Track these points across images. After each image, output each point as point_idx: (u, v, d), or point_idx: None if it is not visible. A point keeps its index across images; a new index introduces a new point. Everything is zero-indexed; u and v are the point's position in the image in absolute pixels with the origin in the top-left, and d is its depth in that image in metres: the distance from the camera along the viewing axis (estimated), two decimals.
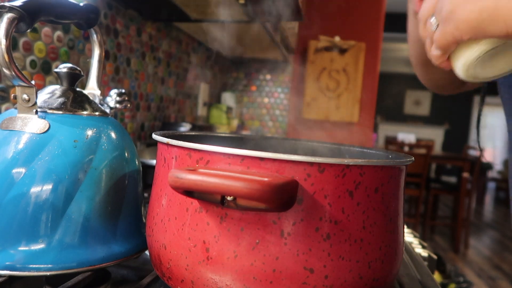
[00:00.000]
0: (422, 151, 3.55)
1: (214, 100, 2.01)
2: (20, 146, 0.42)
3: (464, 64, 0.39)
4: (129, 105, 0.60)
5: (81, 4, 0.49)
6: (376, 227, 0.35)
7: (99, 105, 0.50)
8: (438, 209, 4.50)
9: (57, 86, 0.48)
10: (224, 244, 0.33)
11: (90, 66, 0.55)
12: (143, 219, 0.50)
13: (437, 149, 6.21)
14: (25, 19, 0.41)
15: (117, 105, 0.59)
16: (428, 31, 0.40)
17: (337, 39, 2.09)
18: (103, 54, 0.56)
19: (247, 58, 2.12)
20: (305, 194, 0.32)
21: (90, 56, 0.73)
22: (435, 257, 0.72)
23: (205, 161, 0.34)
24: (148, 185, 0.51)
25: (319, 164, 0.32)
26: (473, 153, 5.03)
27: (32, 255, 0.40)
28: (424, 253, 0.72)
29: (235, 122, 1.97)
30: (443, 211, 4.91)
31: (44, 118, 0.43)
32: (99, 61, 0.55)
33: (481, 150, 0.62)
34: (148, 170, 0.77)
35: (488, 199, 6.43)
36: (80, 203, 0.42)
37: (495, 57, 0.38)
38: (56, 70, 0.49)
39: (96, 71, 0.55)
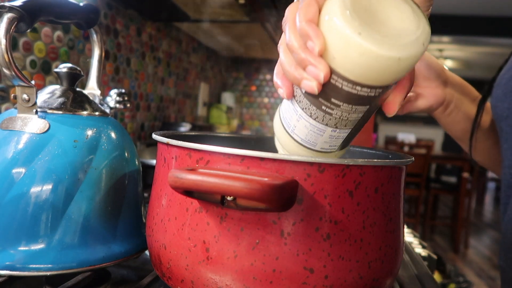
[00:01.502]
0: (422, 151, 3.55)
1: (214, 100, 2.01)
2: (20, 146, 0.42)
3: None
4: (129, 105, 0.60)
5: (81, 4, 0.49)
6: (376, 227, 0.35)
7: (99, 105, 0.50)
8: (438, 209, 4.50)
9: (57, 86, 0.48)
10: (224, 244, 0.33)
11: (90, 66, 0.55)
12: (143, 219, 0.50)
13: (437, 149, 6.22)
14: (25, 19, 0.41)
15: (117, 105, 0.59)
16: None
17: None
18: (103, 54, 0.56)
19: (247, 58, 2.12)
20: (305, 194, 0.32)
21: (90, 56, 0.73)
22: (435, 257, 0.72)
23: (205, 161, 0.34)
24: (148, 185, 0.51)
25: (319, 164, 0.32)
26: (469, 153, 5.02)
27: (32, 255, 0.40)
28: (424, 253, 0.72)
29: (235, 122, 1.97)
30: (443, 211, 4.91)
31: (44, 118, 0.43)
32: (99, 61, 0.55)
33: (471, 159, 0.63)
34: (148, 170, 0.77)
35: (488, 199, 6.43)
36: (80, 203, 0.42)
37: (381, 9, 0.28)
38: (56, 70, 0.49)
39: (96, 71, 0.55)
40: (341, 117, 0.32)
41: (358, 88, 0.29)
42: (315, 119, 0.33)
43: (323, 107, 0.31)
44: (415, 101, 0.56)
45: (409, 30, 0.28)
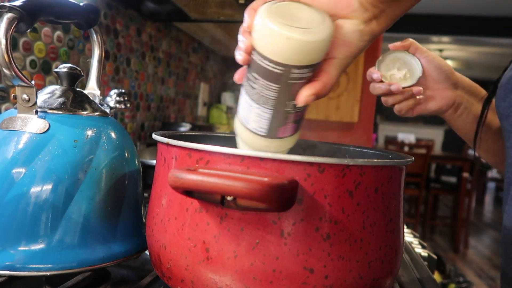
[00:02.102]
0: (422, 151, 3.55)
1: (214, 100, 2.01)
2: (20, 146, 0.42)
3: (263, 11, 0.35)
4: (129, 105, 0.61)
5: (81, 4, 0.49)
6: (376, 227, 0.35)
7: (99, 105, 0.50)
8: (438, 209, 4.50)
9: (57, 86, 0.48)
10: (224, 244, 0.33)
11: (90, 66, 0.55)
12: (143, 219, 0.50)
13: (437, 149, 6.22)
14: (25, 19, 0.41)
15: (117, 105, 0.59)
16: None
17: None
18: (103, 54, 0.56)
19: None
20: (305, 194, 0.32)
21: (90, 56, 0.73)
22: (435, 257, 0.72)
23: (205, 161, 0.34)
24: (148, 185, 0.51)
25: (319, 164, 0.32)
26: (473, 153, 5.02)
27: (32, 255, 0.40)
28: (424, 253, 0.72)
29: None
30: (443, 211, 4.91)
31: (44, 118, 0.43)
32: (99, 61, 0.55)
33: (475, 158, 0.63)
34: (148, 170, 0.77)
35: (488, 199, 6.43)
36: (80, 203, 0.42)
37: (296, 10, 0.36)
38: (56, 70, 0.49)
39: (96, 71, 0.55)
40: (260, 93, 0.37)
41: (266, 62, 0.35)
42: (246, 93, 0.39)
43: (249, 81, 0.38)
44: (425, 104, 0.57)
45: (311, 24, 0.35)
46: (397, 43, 0.57)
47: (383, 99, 0.57)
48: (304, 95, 0.36)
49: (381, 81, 0.55)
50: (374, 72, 0.55)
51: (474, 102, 0.59)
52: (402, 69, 0.56)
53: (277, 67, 0.35)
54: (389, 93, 0.56)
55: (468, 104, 0.58)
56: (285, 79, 0.36)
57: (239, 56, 0.37)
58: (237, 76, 0.40)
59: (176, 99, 1.54)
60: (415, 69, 0.56)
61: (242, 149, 0.38)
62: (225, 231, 0.33)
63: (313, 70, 0.36)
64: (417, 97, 0.56)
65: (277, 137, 0.40)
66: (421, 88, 0.55)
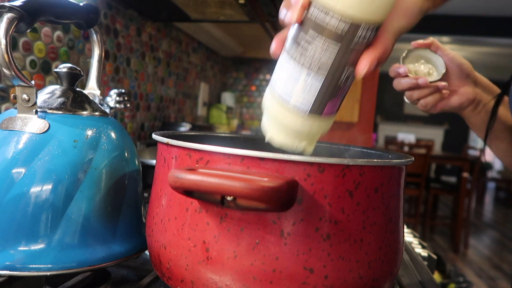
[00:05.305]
0: (422, 151, 3.55)
1: (214, 100, 2.01)
2: (20, 146, 0.42)
3: None
4: (129, 105, 0.61)
5: (81, 4, 0.49)
6: (376, 227, 0.35)
7: (99, 105, 0.50)
8: (438, 209, 4.50)
9: (57, 86, 0.48)
10: (224, 244, 0.33)
11: (90, 66, 0.55)
12: (143, 219, 0.50)
13: (437, 149, 6.21)
14: (25, 19, 0.41)
15: (117, 105, 0.59)
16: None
17: None
18: (103, 54, 0.56)
19: (247, 58, 2.12)
20: (305, 194, 0.32)
21: (90, 56, 0.73)
22: (435, 257, 0.72)
23: (205, 161, 0.34)
24: (148, 185, 0.51)
25: (319, 164, 0.32)
26: (473, 153, 5.04)
27: (32, 255, 0.40)
28: (424, 253, 0.72)
29: (235, 122, 1.97)
30: (443, 211, 4.91)
31: (44, 118, 0.43)
32: (99, 61, 0.55)
33: (482, 150, 0.64)
34: (148, 170, 0.77)
35: (488, 199, 6.43)
36: (80, 203, 0.42)
37: None
38: (56, 70, 0.49)
39: (96, 71, 0.55)
40: (315, 56, 0.34)
41: (329, 16, 0.32)
42: (294, 59, 0.35)
43: (299, 45, 0.34)
44: (448, 99, 0.59)
45: None
46: (420, 41, 0.59)
47: (407, 93, 0.58)
48: (366, 61, 0.34)
49: (406, 76, 0.56)
50: (400, 67, 0.56)
51: (492, 101, 0.60)
52: (426, 65, 0.58)
53: (342, 22, 0.32)
54: (415, 87, 0.57)
55: (486, 101, 0.60)
56: (349, 38, 0.33)
57: (291, 12, 0.34)
58: (275, 46, 0.36)
59: (176, 99, 1.54)
60: (439, 66, 0.58)
61: (243, 150, 0.37)
62: (225, 231, 0.33)
63: (374, 33, 0.34)
64: (443, 91, 0.57)
65: (320, 115, 0.36)
66: (446, 83, 0.56)
